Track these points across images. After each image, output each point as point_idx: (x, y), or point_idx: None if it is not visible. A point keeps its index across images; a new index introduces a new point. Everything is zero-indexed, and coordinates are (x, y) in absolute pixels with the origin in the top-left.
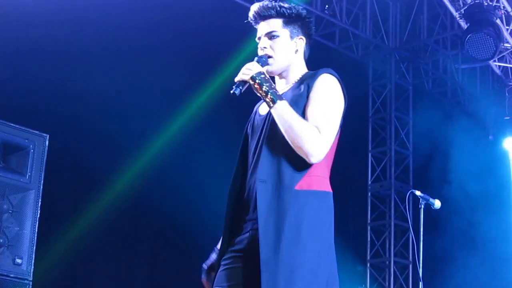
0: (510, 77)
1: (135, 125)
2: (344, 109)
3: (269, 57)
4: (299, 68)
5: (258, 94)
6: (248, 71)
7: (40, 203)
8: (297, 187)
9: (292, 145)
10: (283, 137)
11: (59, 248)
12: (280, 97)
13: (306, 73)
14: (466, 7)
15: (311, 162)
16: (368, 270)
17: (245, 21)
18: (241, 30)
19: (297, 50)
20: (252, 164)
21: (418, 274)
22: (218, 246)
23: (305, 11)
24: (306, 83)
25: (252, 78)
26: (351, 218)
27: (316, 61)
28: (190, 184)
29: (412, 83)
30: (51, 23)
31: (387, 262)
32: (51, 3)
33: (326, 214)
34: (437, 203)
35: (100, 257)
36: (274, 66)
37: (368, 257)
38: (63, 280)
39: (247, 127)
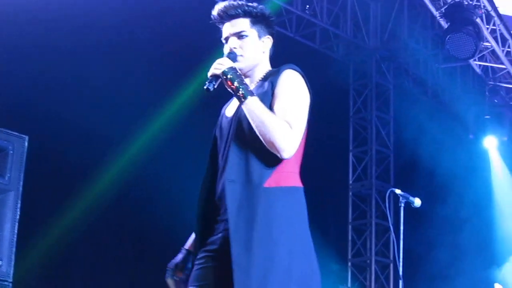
0: (490, 76)
1: (115, 126)
2: (309, 105)
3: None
4: (264, 67)
5: (229, 90)
6: (219, 65)
7: (19, 204)
8: (266, 185)
9: (263, 140)
10: (251, 135)
11: (39, 249)
12: (251, 93)
13: (270, 70)
14: (446, 6)
15: (283, 157)
16: (350, 269)
17: (210, 22)
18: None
19: (263, 49)
20: (222, 166)
21: (399, 272)
22: (186, 246)
23: (268, 10)
24: (269, 80)
25: (224, 73)
26: (332, 218)
27: (296, 61)
28: (171, 183)
29: (393, 83)
30: (29, 22)
31: (368, 261)
32: (26, 2)
33: (297, 209)
34: (417, 202)
35: (81, 258)
36: (243, 63)
37: (349, 256)
38: (44, 281)
39: (215, 130)
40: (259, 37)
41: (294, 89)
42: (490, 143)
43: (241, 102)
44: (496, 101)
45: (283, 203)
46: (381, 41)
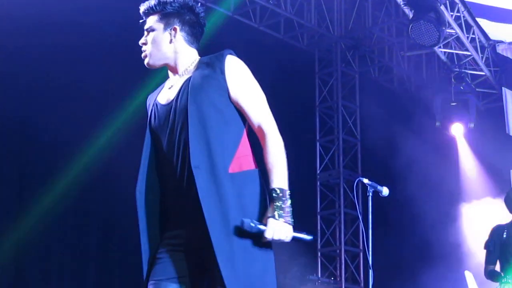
0: (456, 63)
1: (76, 123)
2: None
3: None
4: (188, 55)
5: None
6: (287, 233)
7: None
8: (230, 170)
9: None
10: (207, 122)
11: (4, 249)
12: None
13: (202, 58)
14: None
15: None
16: (319, 259)
17: (140, 21)
18: None
19: (171, 40)
20: (173, 153)
21: (368, 262)
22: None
23: (184, 3)
24: (215, 65)
25: (293, 238)
26: (300, 208)
27: (262, 52)
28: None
29: (358, 71)
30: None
31: (338, 251)
32: None
33: (262, 191)
34: (385, 191)
35: (47, 257)
36: (150, 59)
37: (319, 246)
38: (11, 281)
39: (150, 119)
40: (165, 29)
41: (249, 77)
42: (457, 130)
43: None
44: (462, 88)
45: (251, 187)
46: (345, 30)
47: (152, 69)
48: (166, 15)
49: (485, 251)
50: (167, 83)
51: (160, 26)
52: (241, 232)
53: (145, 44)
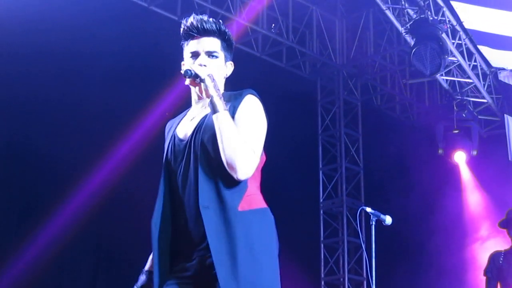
0: (458, 90)
1: (78, 148)
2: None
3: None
4: (221, 90)
5: (206, 94)
6: (204, 68)
7: None
8: (239, 209)
9: (224, 156)
10: (218, 161)
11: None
12: (225, 107)
13: (225, 92)
14: (411, 22)
15: (238, 178)
16: None
17: (181, 33)
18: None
19: (226, 75)
20: (186, 190)
21: None
22: (147, 267)
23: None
24: (232, 104)
25: (210, 76)
26: (304, 236)
27: (264, 80)
28: (135, 201)
29: (361, 100)
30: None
31: (341, 279)
32: None
33: (271, 230)
34: (388, 219)
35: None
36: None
37: (322, 275)
38: None
39: (167, 152)
40: (225, 61)
41: (256, 115)
42: (460, 157)
43: (216, 111)
44: (464, 115)
45: (259, 226)
46: (347, 58)
47: (152, 94)
48: (227, 45)
49: (485, 278)
50: (190, 114)
51: (222, 55)
52: (249, 272)
53: (205, 66)
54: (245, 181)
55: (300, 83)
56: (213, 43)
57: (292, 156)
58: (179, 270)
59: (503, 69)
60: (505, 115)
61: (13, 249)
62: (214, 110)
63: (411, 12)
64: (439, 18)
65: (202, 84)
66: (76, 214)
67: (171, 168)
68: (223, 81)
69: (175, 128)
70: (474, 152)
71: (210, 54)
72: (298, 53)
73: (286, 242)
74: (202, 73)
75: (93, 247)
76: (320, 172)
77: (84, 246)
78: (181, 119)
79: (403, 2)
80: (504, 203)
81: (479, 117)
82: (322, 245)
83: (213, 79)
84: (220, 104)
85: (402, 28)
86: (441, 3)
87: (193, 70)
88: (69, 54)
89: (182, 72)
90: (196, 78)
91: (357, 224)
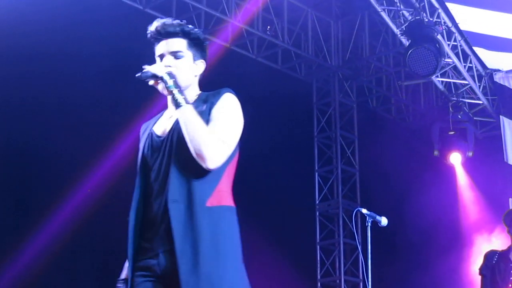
0: (453, 92)
1: (77, 149)
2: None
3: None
4: (194, 90)
5: (168, 92)
6: (164, 68)
7: None
8: (208, 204)
9: (192, 148)
10: (190, 156)
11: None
12: (188, 101)
13: (203, 93)
14: (407, 24)
15: (208, 167)
16: None
17: (148, 37)
18: None
19: (198, 73)
20: (157, 185)
21: None
22: (123, 276)
23: (204, 36)
24: (209, 102)
25: (169, 74)
26: (300, 238)
27: (259, 83)
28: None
29: (356, 101)
30: None
31: (338, 281)
32: None
33: (236, 228)
34: (384, 221)
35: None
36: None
37: (319, 277)
38: None
39: (144, 148)
40: (194, 60)
41: (230, 110)
42: (456, 159)
43: (179, 106)
44: (460, 116)
45: (227, 222)
46: (343, 60)
47: (149, 95)
48: (194, 44)
49: (480, 276)
50: (167, 113)
51: (189, 54)
52: (211, 269)
53: (170, 67)
54: (218, 175)
55: (296, 85)
56: (177, 44)
57: (288, 158)
58: (145, 266)
59: (499, 70)
60: (500, 116)
61: (11, 249)
62: (176, 105)
63: (406, 13)
64: (435, 19)
65: (162, 82)
66: (75, 214)
67: (148, 164)
68: (195, 79)
69: (152, 127)
70: (470, 154)
71: (174, 54)
72: (293, 55)
73: (283, 244)
74: (159, 71)
75: (92, 247)
76: (316, 174)
77: (83, 246)
78: (158, 119)
79: (398, 4)
80: (500, 204)
81: (475, 118)
82: (318, 247)
83: (173, 76)
84: (181, 99)
85: (398, 30)
86: (437, 5)
87: (149, 71)
88: (66, 56)
89: (137, 75)
90: (155, 78)
91: (353, 226)
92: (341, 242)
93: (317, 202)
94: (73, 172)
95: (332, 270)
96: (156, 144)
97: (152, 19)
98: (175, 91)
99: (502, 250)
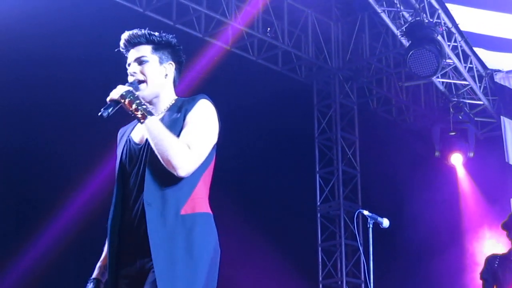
0: (454, 92)
1: (77, 152)
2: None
3: (141, 82)
4: (169, 94)
5: (130, 112)
6: (118, 89)
7: None
8: (182, 212)
9: (161, 159)
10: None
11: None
12: (150, 113)
13: (179, 99)
14: (407, 25)
15: (179, 175)
16: None
17: (116, 50)
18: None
19: (166, 75)
20: (136, 190)
21: None
22: (94, 275)
23: (175, 39)
24: (184, 108)
25: (122, 96)
26: (301, 240)
27: (260, 84)
28: None
29: (357, 103)
30: None
31: (339, 282)
32: None
33: (211, 235)
34: (385, 222)
35: None
36: (146, 90)
37: (320, 278)
38: None
39: (122, 155)
40: (160, 63)
41: (203, 117)
42: (457, 160)
43: (141, 122)
44: (460, 117)
45: (200, 229)
46: (343, 61)
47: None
48: (161, 48)
49: (481, 281)
50: None
51: (155, 58)
52: (185, 271)
53: (135, 73)
54: (193, 182)
55: (296, 86)
56: (140, 50)
57: (288, 160)
58: (125, 273)
59: (499, 70)
60: (501, 116)
61: (12, 251)
62: (139, 121)
63: (406, 14)
64: (435, 20)
65: (123, 104)
66: (76, 216)
67: (126, 171)
68: (168, 83)
69: (130, 133)
70: (471, 154)
71: (138, 60)
72: (293, 57)
73: (284, 245)
74: (114, 95)
75: (94, 248)
76: (317, 175)
77: (85, 247)
78: (135, 125)
79: (398, 5)
80: (501, 205)
81: (476, 119)
82: (319, 249)
83: (129, 94)
84: (143, 112)
85: (398, 31)
86: (437, 6)
87: (104, 109)
88: (66, 58)
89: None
90: (116, 103)
91: (354, 227)
92: (343, 243)
93: (318, 203)
94: (74, 173)
95: (334, 271)
96: (134, 152)
97: (152, 21)
98: (134, 106)
99: (503, 254)
